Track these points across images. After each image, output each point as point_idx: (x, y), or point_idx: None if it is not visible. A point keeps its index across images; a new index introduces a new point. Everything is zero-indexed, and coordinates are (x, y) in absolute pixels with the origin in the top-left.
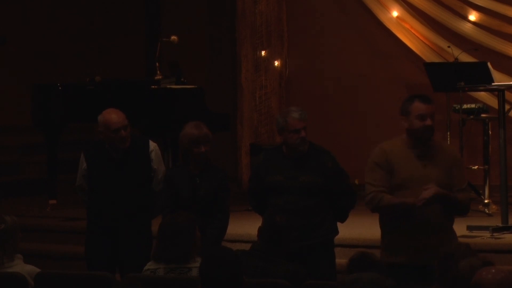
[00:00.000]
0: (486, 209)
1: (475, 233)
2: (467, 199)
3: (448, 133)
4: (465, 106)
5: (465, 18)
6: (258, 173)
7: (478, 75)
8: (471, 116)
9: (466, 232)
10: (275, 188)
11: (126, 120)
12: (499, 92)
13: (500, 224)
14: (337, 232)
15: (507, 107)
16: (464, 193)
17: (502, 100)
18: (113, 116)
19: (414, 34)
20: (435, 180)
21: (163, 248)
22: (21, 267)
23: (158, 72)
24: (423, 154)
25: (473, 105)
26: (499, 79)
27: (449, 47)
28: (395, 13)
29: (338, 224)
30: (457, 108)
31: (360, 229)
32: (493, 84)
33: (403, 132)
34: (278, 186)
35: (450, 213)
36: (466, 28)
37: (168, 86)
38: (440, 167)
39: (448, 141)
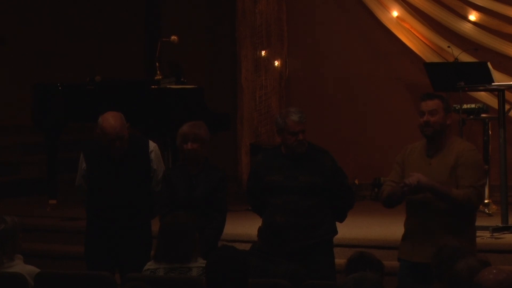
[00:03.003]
0: (486, 209)
1: None
2: (465, 196)
3: None
4: (465, 106)
5: (465, 18)
6: (257, 173)
7: (478, 75)
8: (471, 116)
9: None
10: (274, 188)
11: (123, 129)
12: (499, 92)
13: (500, 224)
14: (336, 232)
15: (507, 107)
16: (465, 190)
17: (502, 100)
18: (110, 123)
19: (414, 34)
20: (436, 178)
21: (165, 248)
22: (21, 267)
23: (158, 72)
24: (432, 152)
25: (473, 105)
26: (499, 79)
27: (449, 47)
28: (395, 13)
29: (337, 224)
30: (457, 108)
31: (359, 229)
32: (493, 84)
33: (405, 132)
34: (277, 186)
35: (451, 210)
36: (466, 28)
37: (168, 86)
38: (443, 165)
39: None
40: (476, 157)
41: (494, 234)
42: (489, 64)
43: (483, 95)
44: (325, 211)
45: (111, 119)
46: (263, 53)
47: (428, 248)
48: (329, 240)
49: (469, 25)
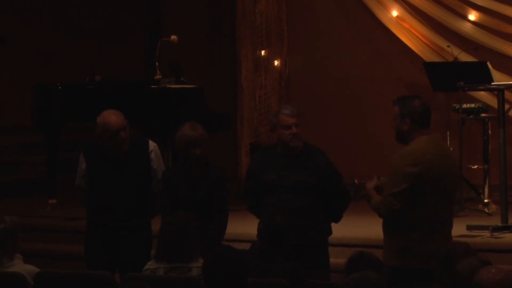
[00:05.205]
0: (486, 209)
1: (475, 232)
2: (375, 205)
3: (448, 133)
4: (464, 105)
5: (465, 18)
6: (253, 172)
7: (478, 75)
8: (471, 116)
9: (466, 232)
10: (268, 187)
11: (125, 121)
12: (499, 92)
13: (500, 224)
14: (330, 233)
15: (506, 106)
16: (382, 197)
17: (501, 100)
18: (112, 118)
19: (414, 34)
20: None
21: (165, 248)
22: (21, 267)
23: (158, 72)
24: None
25: (472, 105)
26: (499, 79)
27: (448, 46)
28: (395, 13)
29: (338, 223)
30: (456, 107)
31: (359, 229)
32: (492, 83)
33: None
34: (271, 185)
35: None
36: (466, 28)
37: (168, 86)
38: None
39: (448, 141)
40: (397, 163)
41: (494, 233)
42: (489, 64)
43: (483, 95)
44: (319, 211)
45: (110, 114)
46: (263, 53)
47: (385, 249)
48: (324, 240)
49: (469, 25)
